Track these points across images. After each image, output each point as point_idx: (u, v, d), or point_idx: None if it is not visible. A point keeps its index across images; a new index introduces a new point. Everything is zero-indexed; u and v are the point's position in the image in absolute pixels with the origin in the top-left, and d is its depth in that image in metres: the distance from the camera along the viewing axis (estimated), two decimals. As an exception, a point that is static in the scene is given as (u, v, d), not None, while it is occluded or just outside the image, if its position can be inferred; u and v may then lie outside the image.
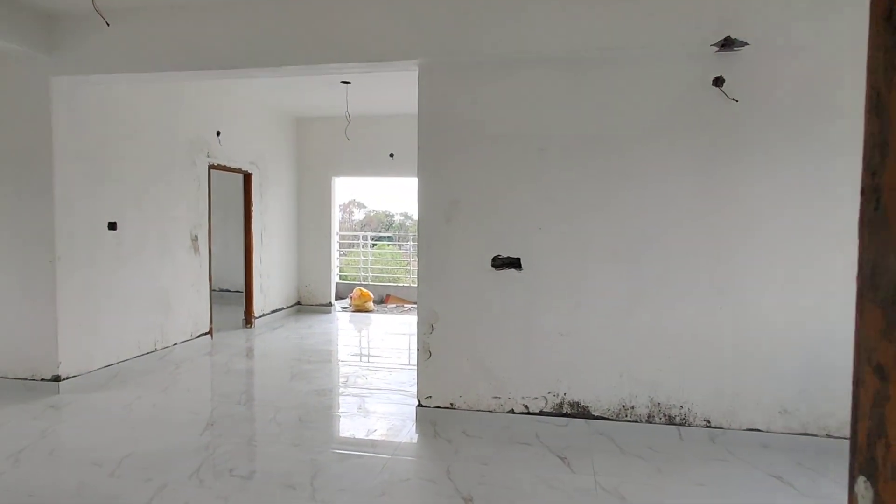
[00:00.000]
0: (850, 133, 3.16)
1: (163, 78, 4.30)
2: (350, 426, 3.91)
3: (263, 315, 7.30)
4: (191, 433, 3.62)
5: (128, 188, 5.00)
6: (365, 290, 8.70)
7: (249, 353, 5.92)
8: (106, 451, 3.30)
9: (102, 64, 4.17)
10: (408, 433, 3.70)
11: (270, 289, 7.51)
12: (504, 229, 3.72)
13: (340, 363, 5.76)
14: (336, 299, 9.12)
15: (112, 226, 4.83)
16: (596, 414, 3.63)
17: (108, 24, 3.87)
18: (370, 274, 10.17)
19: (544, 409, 3.71)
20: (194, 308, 5.91)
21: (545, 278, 3.68)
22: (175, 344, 5.60)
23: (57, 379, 4.37)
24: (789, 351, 3.38)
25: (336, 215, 8.56)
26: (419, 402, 3.90)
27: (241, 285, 7.19)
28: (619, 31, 3.35)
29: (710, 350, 3.48)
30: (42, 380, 4.39)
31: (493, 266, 3.74)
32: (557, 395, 3.68)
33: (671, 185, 3.47)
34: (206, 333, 6.09)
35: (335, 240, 8.61)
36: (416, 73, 3.79)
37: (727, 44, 3.21)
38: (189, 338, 5.82)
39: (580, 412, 3.65)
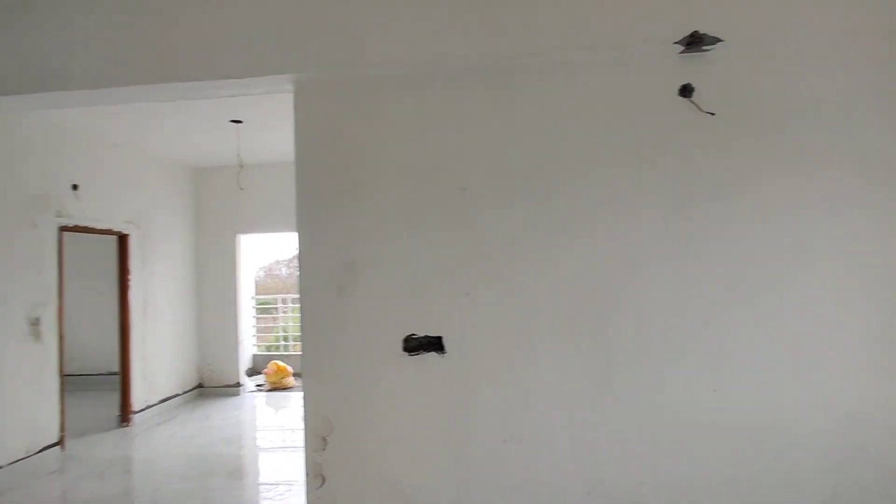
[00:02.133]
0: (871, 152, 2.41)
1: None
2: None
3: (148, 407, 5.89)
4: None
5: None
6: (282, 363, 7.40)
7: (112, 468, 4.51)
8: None
9: None
10: None
11: (157, 373, 6.11)
12: (419, 299, 2.70)
13: (233, 478, 4.41)
14: (251, 375, 7.79)
15: None
16: (561, 554, 2.57)
17: None
18: (291, 343, 8.84)
19: (490, 552, 2.61)
20: (34, 413, 4.49)
21: (478, 362, 2.66)
22: (2, 466, 4.15)
23: None
24: (812, 445, 2.47)
25: (243, 278, 7.30)
26: (310, 551, 2.72)
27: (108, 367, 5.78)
28: (558, 31, 2.50)
29: (705, 450, 2.53)
30: None
31: (405, 350, 2.69)
32: (505, 525, 2.61)
33: (637, 229, 2.58)
34: (53, 445, 4.64)
35: (244, 307, 7.33)
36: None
37: (694, 42, 2.43)
38: (25, 455, 4.36)
39: (538, 550, 2.58)
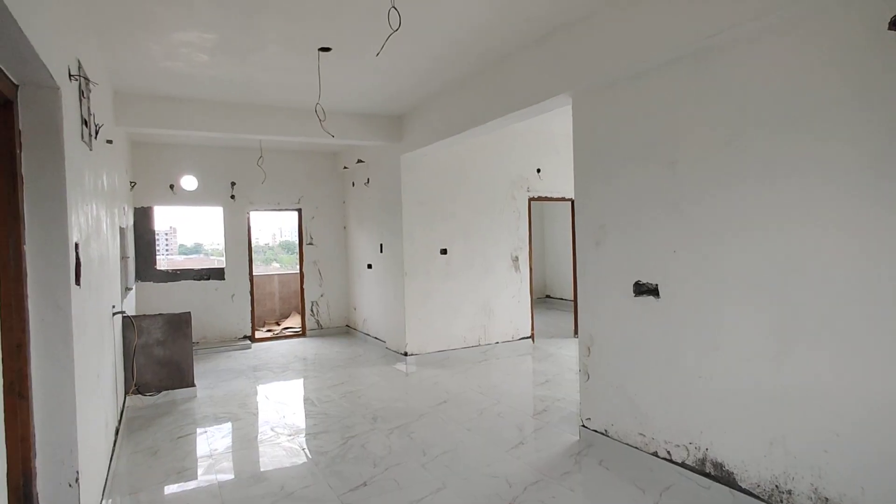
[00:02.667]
0: None
1: (446, 141, 5.86)
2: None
3: (592, 328, 7.92)
4: (478, 404, 4.97)
5: (457, 223, 6.85)
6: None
7: (550, 357, 6.76)
8: (420, 400, 5.07)
9: (418, 142, 6.11)
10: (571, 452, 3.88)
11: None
12: (643, 253, 3.42)
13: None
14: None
15: (443, 251, 6.78)
16: (743, 486, 2.86)
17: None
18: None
19: (686, 462, 3.17)
20: (515, 315, 7.26)
21: (681, 310, 3.17)
22: (496, 343, 7.10)
23: (406, 354, 6.57)
24: None
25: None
26: (581, 421, 3.97)
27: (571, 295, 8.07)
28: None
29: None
30: (400, 353, 6.69)
31: (634, 293, 3.49)
32: (699, 448, 3.09)
33: (832, 192, 2.44)
34: (526, 337, 7.33)
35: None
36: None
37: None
38: (509, 339, 7.21)
39: (724, 477, 2.95)
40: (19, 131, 2.22)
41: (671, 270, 3.23)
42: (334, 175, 9.03)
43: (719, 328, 2.96)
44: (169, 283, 7.87)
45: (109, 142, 4.22)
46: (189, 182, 7.93)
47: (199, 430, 4.43)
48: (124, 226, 5.77)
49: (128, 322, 5.07)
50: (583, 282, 3.94)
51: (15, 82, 2.20)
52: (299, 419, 4.69)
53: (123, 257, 5.35)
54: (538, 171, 7.46)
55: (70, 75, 2.57)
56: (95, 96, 3.51)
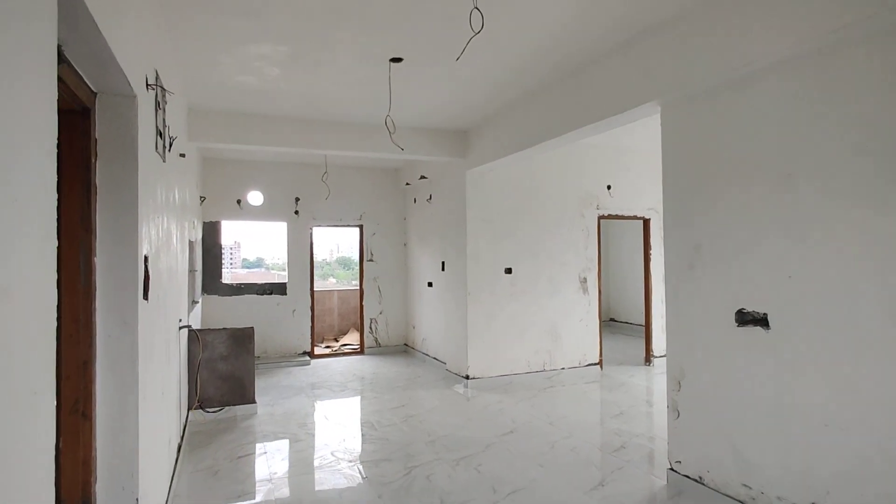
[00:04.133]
0: None
1: (514, 157, 5.61)
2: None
3: (663, 356, 7.38)
4: (544, 436, 4.66)
5: (523, 241, 6.57)
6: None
7: (628, 389, 6.30)
8: (485, 428, 4.81)
9: (485, 157, 5.91)
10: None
11: (676, 330, 7.49)
12: (748, 278, 3.02)
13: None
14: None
15: (508, 271, 6.50)
16: (884, 559, 2.39)
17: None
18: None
19: (805, 524, 2.72)
20: (582, 340, 6.85)
21: (799, 344, 2.75)
22: (562, 368, 6.71)
23: (467, 377, 6.29)
24: None
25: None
26: (670, 464, 3.55)
27: (641, 320, 7.57)
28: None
29: None
30: (461, 376, 6.42)
31: (737, 322, 3.08)
32: (823, 509, 2.64)
33: None
34: (594, 364, 6.90)
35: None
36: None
37: None
38: (576, 365, 6.80)
39: (857, 547, 2.49)
40: (95, 140, 2.15)
41: (785, 298, 2.82)
42: (396, 191, 8.97)
43: (855, 367, 2.53)
44: (233, 297, 7.97)
45: (182, 155, 4.25)
46: (255, 197, 8.05)
47: (258, 450, 4.31)
48: (193, 239, 5.85)
49: (193, 336, 5.07)
50: (673, 308, 3.56)
51: (93, 90, 2.14)
52: (359, 443, 4.49)
53: (191, 270, 5.40)
54: (608, 187, 7.09)
55: (147, 84, 2.52)
56: (170, 109, 3.50)
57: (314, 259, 8.57)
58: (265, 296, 8.16)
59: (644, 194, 7.30)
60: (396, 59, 3.97)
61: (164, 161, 3.08)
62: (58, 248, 2.07)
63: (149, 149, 2.57)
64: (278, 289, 8.26)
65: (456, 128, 6.20)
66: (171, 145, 3.41)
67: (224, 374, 5.21)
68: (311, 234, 8.43)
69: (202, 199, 7.30)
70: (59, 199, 2.07)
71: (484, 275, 6.38)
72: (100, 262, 2.15)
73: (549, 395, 6.00)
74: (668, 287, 3.59)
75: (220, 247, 8.04)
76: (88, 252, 2.08)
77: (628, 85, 3.70)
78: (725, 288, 3.16)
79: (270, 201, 8.15)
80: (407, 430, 4.79)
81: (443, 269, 7.16)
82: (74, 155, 2.06)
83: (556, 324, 6.73)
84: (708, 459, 3.27)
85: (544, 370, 6.62)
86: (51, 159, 1.23)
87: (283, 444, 4.47)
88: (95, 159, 2.14)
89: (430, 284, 7.87)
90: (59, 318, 2.01)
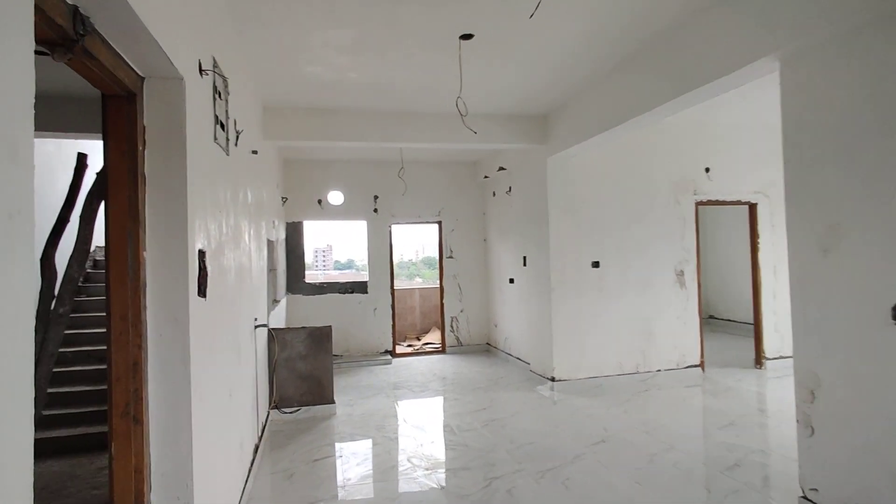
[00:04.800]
0: None
1: (599, 138, 5.11)
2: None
3: (781, 357, 6.50)
4: (640, 452, 4.22)
5: (610, 232, 6.03)
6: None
7: (736, 395, 5.58)
8: (573, 436, 4.44)
9: (567, 141, 5.45)
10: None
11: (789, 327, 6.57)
12: (907, 262, 2.40)
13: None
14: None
15: (595, 264, 5.99)
16: None
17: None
18: None
19: None
20: (680, 339, 6.19)
21: None
22: (658, 370, 6.09)
23: (552, 379, 5.87)
24: None
25: None
26: (803, 491, 2.96)
27: (746, 317, 6.74)
28: None
29: None
30: (546, 378, 6.00)
31: (894, 318, 2.47)
32: None
33: None
34: (694, 366, 6.20)
35: None
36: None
37: None
38: (674, 367, 6.14)
39: None
40: (144, 127, 2.03)
41: (964, 288, 2.20)
42: (474, 185, 8.67)
43: None
44: (316, 296, 8.06)
45: (254, 152, 4.20)
46: (336, 197, 8.09)
47: (335, 453, 4.17)
48: (274, 239, 5.89)
49: (271, 335, 5.07)
50: (800, 302, 2.96)
51: (140, 74, 2.01)
52: (437, 449, 4.23)
53: (271, 270, 5.41)
54: (707, 170, 6.35)
55: (201, 70, 2.39)
56: (239, 103, 3.43)
57: (394, 257, 8.50)
58: (347, 295, 8.18)
59: (748, 176, 6.47)
60: (466, 36, 3.66)
61: (226, 154, 2.98)
62: (106, 241, 1.98)
63: (204, 138, 2.45)
64: (359, 287, 8.25)
65: (534, 112, 5.79)
66: (237, 139, 3.33)
67: (303, 373, 5.17)
68: (391, 231, 8.34)
69: (284, 199, 7.41)
70: (106, 190, 1.98)
71: (568, 269, 5.92)
72: (150, 256, 2.02)
73: (644, 399, 5.44)
74: (792, 278, 3.00)
75: (302, 247, 8.15)
76: (136, 245, 1.95)
77: (738, 39, 3.14)
78: (876, 276, 2.55)
79: (350, 200, 8.16)
80: (488, 435, 4.48)
81: (524, 265, 6.77)
82: (120, 142, 1.94)
83: (650, 321, 6.12)
84: (857, 488, 2.67)
85: (637, 372, 6.04)
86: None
87: (360, 447, 4.31)
88: (144, 147, 2.02)
89: (511, 281, 7.50)
90: (108, 317, 1.91)
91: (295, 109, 5.29)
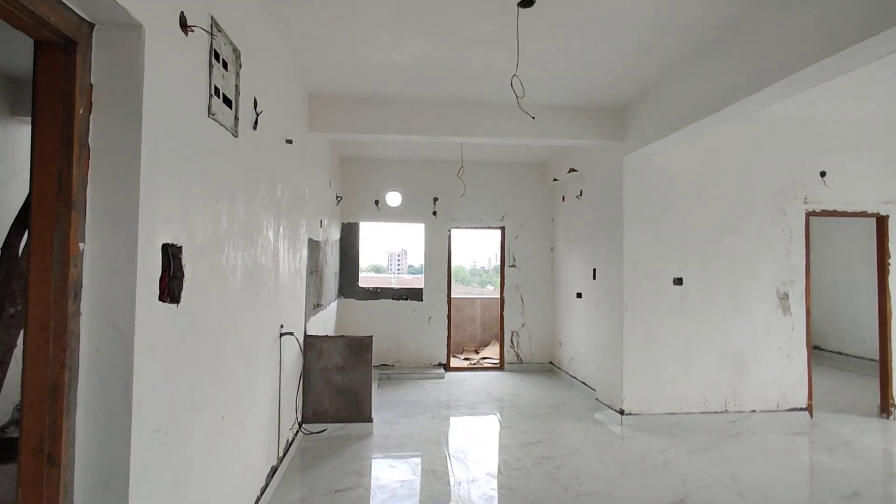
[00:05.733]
0: None
1: (687, 131, 4.31)
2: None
3: (913, 406, 5.31)
4: None
5: (696, 244, 5.16)
6: None
7: (858, 451, 4.51)
8: (645, 488, 3.73)
9: (648, 136, 4.68)
10: None
11: (928, 371, 5.35)
12: None
13: None
14: None
15: (677, 281, 5.14)
16: None
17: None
18: None
19: None
20: (781, 375, 5.19)
21: None
22: (752, 411, 5.13)
23: (622, 412, 5.07)
24: None
25: None
26: None
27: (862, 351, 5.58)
28: None
29: None
30: (614, 409, 5.21)
31: None
32: None
33: None
34: (800, 409, 5.17)
35: None
36: None
37: None
38: (773, 408, 5.15)
39: None
40: (90, 86, 1.60)
41: None
42: (542, 189, 7.98)
43: None
44: (369, 301, 7.68)
45: (289, 141, 3.82)
46: (394, 198, 7.69)
47: (359, 485, 3.67)
48: (320, 239, 5.53)
49: (307, 343, 4.67)
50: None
51: (86, 18, 1.60)
52: (477, 492, 3.61)
53: (312, 272, 5.04)
54: (822, 174, 5.32)
55: (185, 26, 1.96)
56: (261, 80, 3.02)
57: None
58: (401, 301, 7.74)
59: (877, 182, 5.37)
60: (526, 3, 3.06)
61: (234, 136, 2.57)
62: (27, 229, 1.57)
63: (188, 109, 2.02)
64: (414, 294, 7.78)
65: (609, 103, 5.05)
66: (255, 121, 2.92)
67: (339, 386, 4.73)
68: (450, 235, 7.83)
69: (338, 198, 7.09)
70: (30, 163, 1.56)
71: (644, 285, 5.11)
72: (90, 249, 1.59)
73: (734, 446, 4.52)
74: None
75: (357, 248, 7.81)
76: (67, 234, 1.52)
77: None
78: None
79: (408, 201, 7.73)
80: (540, 478, 3.80)
81: (594, 278, 6.00)
82: (50, 101, 1.53)
83: (743, 351, 5.17)
84: None
85: (726, 411, 5.11)
86: None
87: (390, 479, 3.78)
88: (88, 111, 1.59)
89: (578, 295, 6.74)
90: (24, 325, 1.48)
91: (342, 99, 4.89)
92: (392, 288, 7.90)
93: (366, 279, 8.29)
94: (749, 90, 3.28)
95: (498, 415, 5.47)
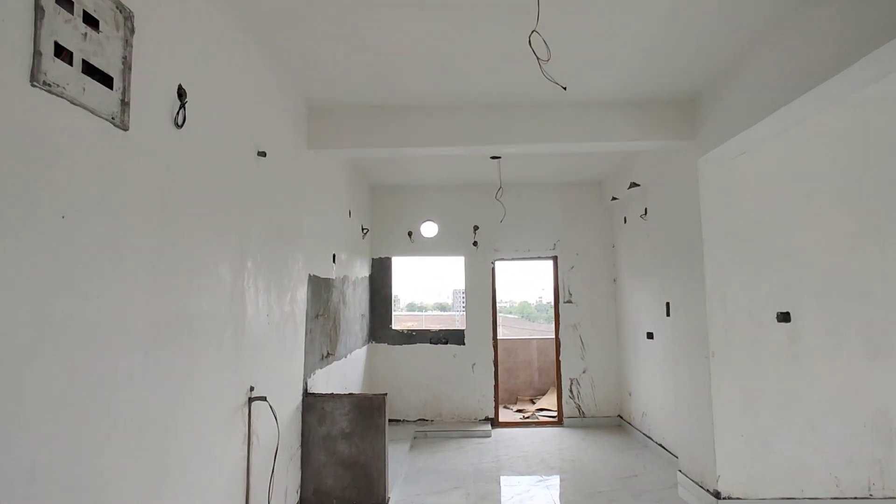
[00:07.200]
0: None
1: (780, 115, 3.18)
2: None
3: None
4: None
5: (806, 268, 3.92)
6: None
7: None
8: None
9: (727, 130, 3.59)
10: None
11: None
12: None
13: None
14: None
15: (783, 317, 3.89)
16: None
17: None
18: None
19: None
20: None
21: None
22: (908, 495, 3.72)
23: (717, 496, 3.80)
24: None
25: None
26: None
27: None
28: None
29: None
30: (705, 490, 3.94)
31: None
32: None
33: None
34: (978, 493, 3.70)
35: None
36: None
37: None
38: (937, 491, 3.72)
39: None
40: None
41: None
42: (599, 211, 6.88)
43: None
44: (404, 346, 6.77)
45: (262, 154, 3.05)
46: (429, 229, 6.85)
47: None
48: (333, 277, 4.73)
49: (309, 404, 3.80)
50: None
51: None
52: None
53: (316, 316, 4.21)
54: (980, 169, 3.96)
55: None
56: (199, 65, 2.27)
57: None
58: (440, 345, 6.77)
59: None
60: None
61: (119, 127, 1.78)
62: None
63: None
64: (454, 337, 6.80)
65: (675, 94, 4.00)
66: (181, 113, 2.14)
67: (345, 458, 3.79)
68: (494, 268, 6.85)
69: (364, 230, 6.32)
70: None
71: (737, 323, 3.90)
72: None
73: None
74: None
75: (390, 286, 6.96)
76: None
77: None
78: None
79: (445, 232, 6.86)
80: None
81: (668, 314, 4.81)
82: None
83: (890, 413, 3.80)
84: None
85: (870, 496, 3.73)
86: None
87: None
88: None
89: (649, 336, 5.52)
90: None
91: (347, 110, 4.13)
92: (430, 330, 6.95)
93: (408, 317, 7.42)
94: (869, 47, 2.19)
95: (551, 491, 4.32)
